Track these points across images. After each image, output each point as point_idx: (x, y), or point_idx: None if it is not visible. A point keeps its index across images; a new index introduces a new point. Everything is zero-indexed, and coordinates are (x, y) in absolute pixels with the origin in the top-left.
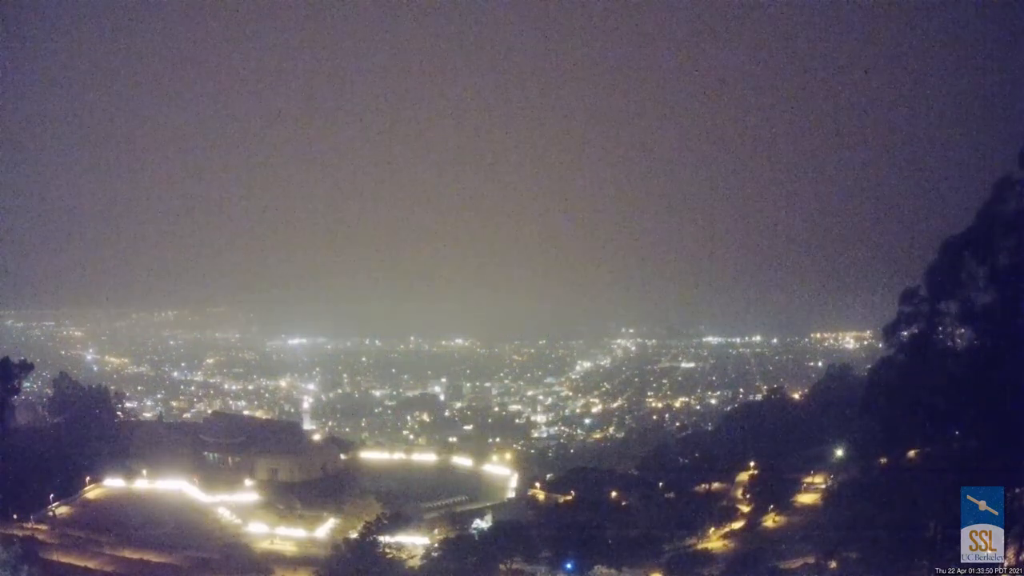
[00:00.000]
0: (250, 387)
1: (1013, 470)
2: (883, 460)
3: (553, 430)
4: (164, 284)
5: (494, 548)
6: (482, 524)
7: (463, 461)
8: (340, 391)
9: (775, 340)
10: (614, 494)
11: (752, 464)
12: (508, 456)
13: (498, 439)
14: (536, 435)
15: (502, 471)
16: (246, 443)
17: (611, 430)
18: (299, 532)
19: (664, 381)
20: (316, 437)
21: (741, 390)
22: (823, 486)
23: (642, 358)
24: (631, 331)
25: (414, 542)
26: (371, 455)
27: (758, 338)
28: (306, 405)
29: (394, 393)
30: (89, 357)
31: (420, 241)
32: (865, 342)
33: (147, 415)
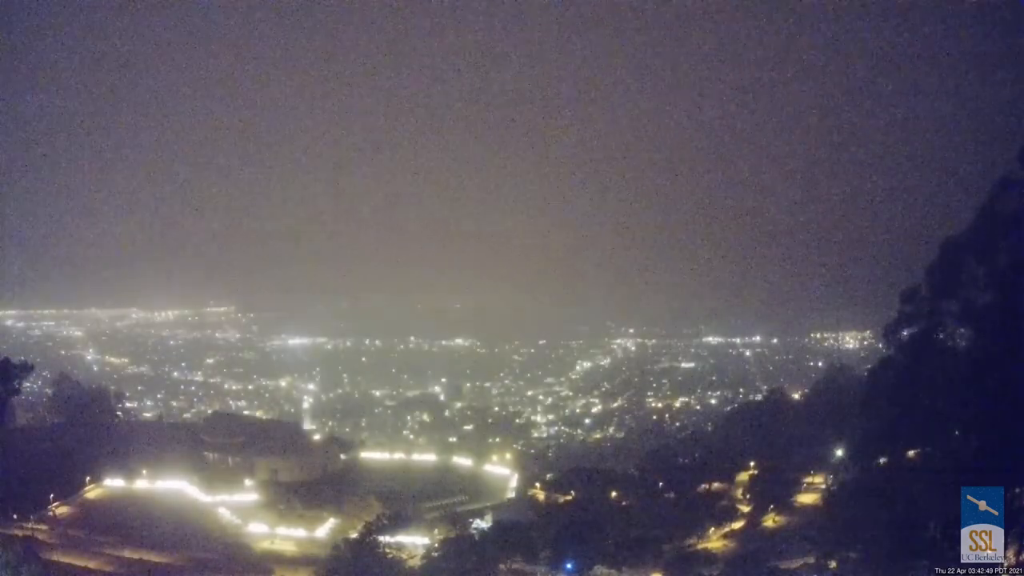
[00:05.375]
0: (250, 387)
1: (1013, 470)
2: (883, 460)
3: (553, 430)
4: (164, 284)
5: (494, 548)
6: (482, 524)
7: (463, 461)
8: (340, 391)
9: (775, 340)
10: (614, 494)
11: (752, 464)
12: (508, 456)
13: (498, 439)
14: (536, 435)
15: (502, 471)
16: (246, 443)
17: (611, 430)
18: (299, 532)
19: (664, 381)
20: (316, 437)
21: (741, 390)
22: (823, 486)
23: (642, 358)
24: (631, 331)
25: (414, 542)
26: (371, 455)
27: (758, 338)
28: (306, 405)
29: (394, 393)
30: (89, 357)
31: (420, 241)
32: (865, 342)
33: (147, 415)
